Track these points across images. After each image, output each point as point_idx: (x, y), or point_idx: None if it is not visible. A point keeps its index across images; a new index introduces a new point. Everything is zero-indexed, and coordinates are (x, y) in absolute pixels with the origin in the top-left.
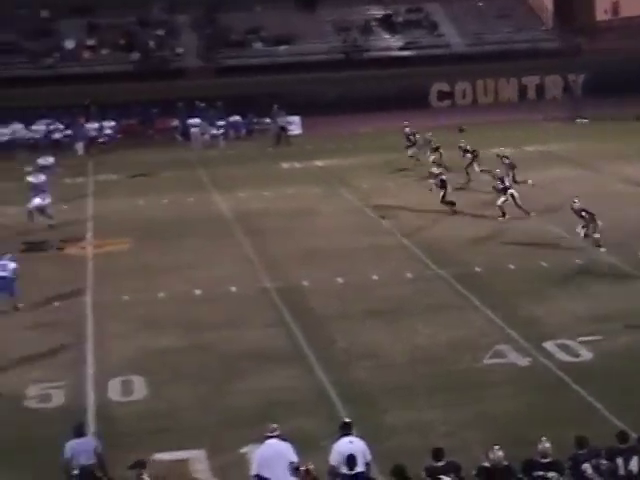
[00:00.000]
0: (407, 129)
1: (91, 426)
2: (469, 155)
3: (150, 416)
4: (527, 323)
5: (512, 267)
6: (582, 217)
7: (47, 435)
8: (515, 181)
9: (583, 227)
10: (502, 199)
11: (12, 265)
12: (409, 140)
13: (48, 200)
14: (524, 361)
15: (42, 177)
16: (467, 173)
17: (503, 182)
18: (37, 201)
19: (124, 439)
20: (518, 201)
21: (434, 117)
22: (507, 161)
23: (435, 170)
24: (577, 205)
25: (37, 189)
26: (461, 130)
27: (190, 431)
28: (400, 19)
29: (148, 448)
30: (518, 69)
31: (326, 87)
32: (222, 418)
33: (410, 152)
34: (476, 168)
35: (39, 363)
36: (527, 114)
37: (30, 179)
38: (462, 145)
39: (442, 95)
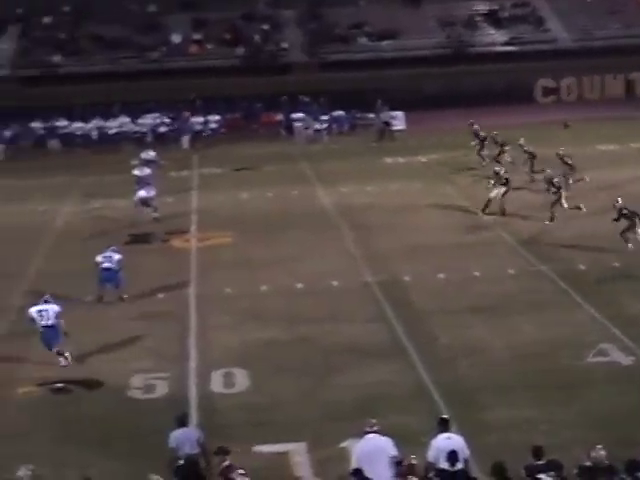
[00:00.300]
0: (475, 126)
1: (194, 417)
2: (526, 155)
3: (251, 408)
4: (632, 322)
5: (616, 265)
6: (624, 215)
7: (151, 425)
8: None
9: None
10: (562, 201)
11: (117, 257)
12: (478, 138)
13: (153, 193)
14: (628, 360)
15: (147, 170)
16: (533, 172)
17: (554, 183)
18: (142, 194)
19: (225, 430)
20: (563, 202)
21: (539, 113)
22: (569, 161)
23: (498, 169)
24: (619, 205)
25: (142, 182)
26: (566, 126)
27: (291, 424)
28: (506, 14)
29: (249, 440)
30: (625, 65)
31: (430, 82)
32: (323, 412)
33: (482, 151)
34: (525, 167)
35: (143, 354)
36: (634, 111)
37: (135, 172)
38: (522, 144)
39: (547, 91)
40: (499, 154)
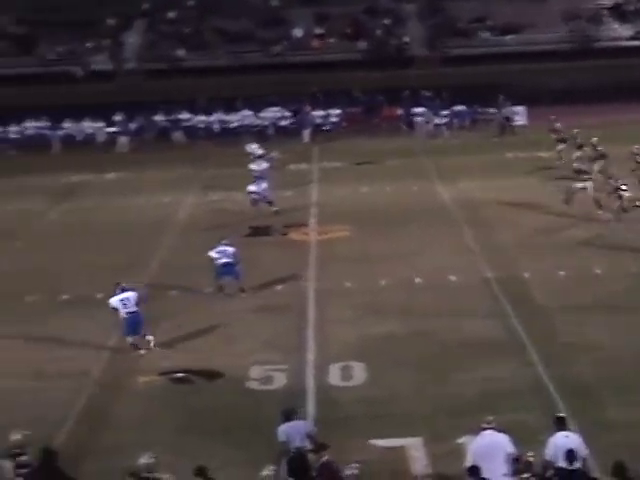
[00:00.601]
0: (557, 124)
1: (311, 409)
2: (597, 155)
3: (368, 402)
4: None
5: None
6: None
7: (268, 416)
8: None
9: None
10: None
11: (231, 249)
12: (559, 136)
13: (264, 187)
14: None
15: (264, 165)
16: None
17: (616, 182)
18: (251, 188)
19: (342, 424)
20: (625, 203)
21: None
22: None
23: (577, 166)
24: None
25: (257, 176)
26: None
27: (407, 418)
28: (631, 8)
29: (365, 433)
30: None
31: (553, 77)
32: (440, 407)
33: (559, 147)
34: (595, 168)
35: (262, 346)
36: None
37: (252, 166)
38: (594, 143)
39: None
40: (583, 154)
